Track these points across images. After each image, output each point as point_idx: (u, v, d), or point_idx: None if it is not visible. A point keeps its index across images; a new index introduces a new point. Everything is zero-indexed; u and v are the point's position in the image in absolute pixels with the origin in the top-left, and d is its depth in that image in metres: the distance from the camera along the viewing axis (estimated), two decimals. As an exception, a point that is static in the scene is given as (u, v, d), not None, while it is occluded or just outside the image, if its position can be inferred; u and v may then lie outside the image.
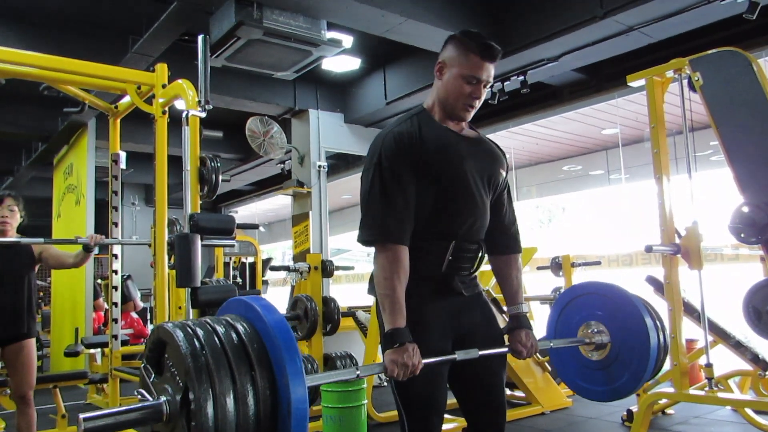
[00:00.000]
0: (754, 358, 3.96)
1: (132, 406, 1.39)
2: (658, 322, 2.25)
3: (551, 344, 2.23)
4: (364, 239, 1.88)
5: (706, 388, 3.72)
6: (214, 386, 1.30)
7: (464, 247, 1.98)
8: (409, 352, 1.75)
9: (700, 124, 5.80)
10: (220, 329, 1.42)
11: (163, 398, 1.39)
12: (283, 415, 1.36)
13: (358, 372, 1.72)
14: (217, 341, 1.38)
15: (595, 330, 2.25)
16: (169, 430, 1.40)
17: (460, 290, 1.99)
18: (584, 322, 2.29)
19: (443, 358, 1.89)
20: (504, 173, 2.10)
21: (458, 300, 1.99)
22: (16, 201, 3.70)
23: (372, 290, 2.09)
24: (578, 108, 8.15)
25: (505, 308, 2.19)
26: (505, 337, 2.11)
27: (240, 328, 1.43)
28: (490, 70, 1.94)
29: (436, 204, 1.91)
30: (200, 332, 1.39)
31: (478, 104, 1.99)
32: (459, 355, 1.90)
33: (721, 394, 3.82)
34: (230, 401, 1.31)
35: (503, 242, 2.13)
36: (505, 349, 2.04)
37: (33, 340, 3.68)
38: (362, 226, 1.89)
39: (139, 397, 1.48)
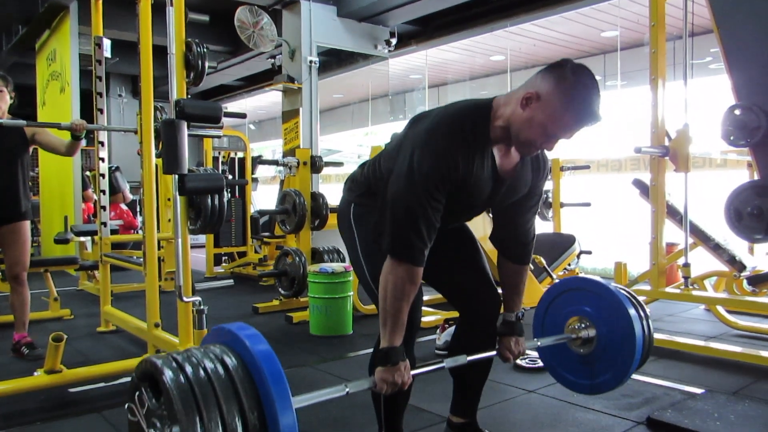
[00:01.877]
0: (731, 260, 4.08)
1: None
2: (641, 312, 2.26)
3: (539, 343, 2.25)
4: (388, 249, 1.79)
5: (682, 287, 3.85)
6: (203, 422, 1.32)
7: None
8: (401, 372, 1.77)
9: (702, 28, 5.64)
10: (208, 364, 1.43)
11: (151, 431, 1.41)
12: None
13: (347, 389, 1.70)
14: (205, 376, 1.39)
15: (582, 325, 2.26)
16: None
17: None
18: (571, 316, 2.30)
19: (431, 368, 1.92)
20: (528, 188, 1.97)
21: None
22: (4, 81, 3.54)
23: (348, 191, 2.12)
24: (579, 7, 7.89)
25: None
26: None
27: (228, 361, 1.44)
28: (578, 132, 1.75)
29: None
30: (188, 368, 1.40)
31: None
32: (447, 363, 1.93)
33: (695, 293, 3.97)
34: None
35: (517, 252, 2.09)
36: (493, 353, 2.07)
37: (27, 222, 3.67)
38: (394, 238, 1.78)
39: (129, 414, 1.51)
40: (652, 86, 3.93)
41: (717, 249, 4.13)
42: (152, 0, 3.56)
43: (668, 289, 3.95)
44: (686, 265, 3.81)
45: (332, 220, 5.45)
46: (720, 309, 4.22)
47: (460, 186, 1.78)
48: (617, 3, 7.81)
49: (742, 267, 4.07)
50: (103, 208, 4.42)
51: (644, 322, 2.23)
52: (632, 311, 2.17)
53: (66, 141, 3.64)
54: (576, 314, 2.28)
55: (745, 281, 4.09)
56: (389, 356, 1.77)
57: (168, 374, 1.39)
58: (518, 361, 3.47)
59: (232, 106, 14.96)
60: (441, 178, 1.73)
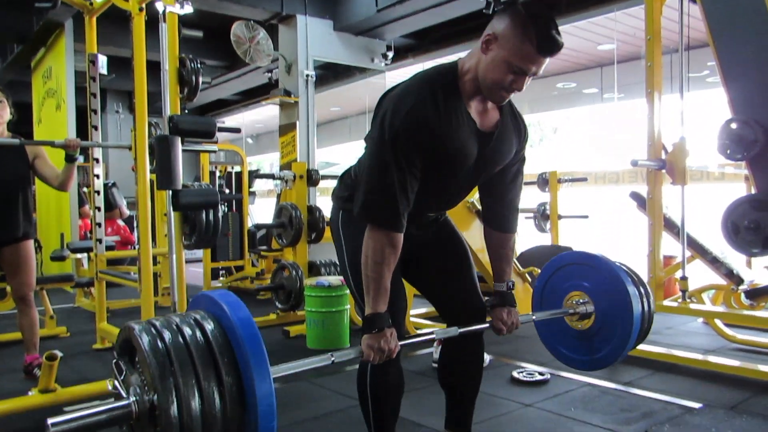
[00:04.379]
0: (729, 273, 4.05)
1: (100, 408, 1.39)
2: (641, 289, 2.24)
3: (534, 317, 2.22)
4: (365, 216, 1.79)
5: (680, 300, 3.83)
6: (178, 389, 1.33)
7: (428, 212, 2.00)
8: (387, 338, 1.75)
9: (698, 42, 5.64)
10: (187, 330, 1.43)
11: (132, 398, 1.40)
12: (250, 412, 1.38)
13: (333, 359, 1.68)
14: (183, 343, 1.39)
15: (580, 300, 2.25)
16: (140, 429, 1.43)
17: (412, 232, 1.93)
18: (569, 291, 2.29)
19: (421, 339, 1.92)
20: (514, 153, 1.96)
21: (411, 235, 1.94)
22: (4, 93, 3.42)
23: (336, 198, 2.10)
24: (576, 21, 7.94)
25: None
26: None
27: (207, 327, 1.44)
28: (543, 64, 1.74)
29: (420, 184, 1.82)
30: (166, 335, 1.40)
31: (515, 93, 1.81)
32: (437, 334, 1.92)
33: (692, 306, 3.95)
34: (195, 403, 1.34)
35: (503, 220, 2.07)
36: (486, 325, 2.04)
37: (30, 242, 3.56)
38: (365, 201, 1.78)
39: (112, 389, 1.50)
40: (648, 99, 3.93)
41: (714, 262, 4.10)
42: (146, 16, 3.57)
43: (666, 302, 3.93)
44: (684, 279, 3.79)
45: (329, 233, 5.43)
46: (718, 322, 4.19)
47: (439, 147, 1.76)
48: (614, 17, 7.86)
49: (739, 280, 4.05)
50: (99, 224, 4.40)
51: (644, 300, 2.22)
52: (631, 287, 2.16)
53: (58, 172, 3.47)
54: (574, 289, 2.27)
55: (743, 295, 4.07)
56: (374, 322, 1.76)
57: (145, 339, 1.39)
58: (515, 374, 3.44)
59: (229, 120, 15.00)
60: (412, 135, 1.72)
